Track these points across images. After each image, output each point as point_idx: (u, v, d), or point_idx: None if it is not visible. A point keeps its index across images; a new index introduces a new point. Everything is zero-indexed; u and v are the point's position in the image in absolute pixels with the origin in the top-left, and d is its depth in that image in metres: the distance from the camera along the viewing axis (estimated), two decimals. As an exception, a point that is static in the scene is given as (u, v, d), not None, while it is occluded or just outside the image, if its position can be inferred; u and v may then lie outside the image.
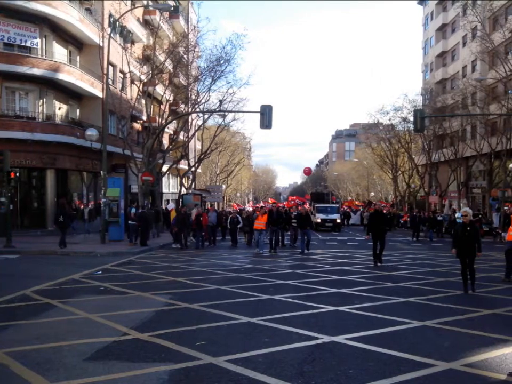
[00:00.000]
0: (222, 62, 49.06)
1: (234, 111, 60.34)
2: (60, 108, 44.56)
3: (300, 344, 10.35)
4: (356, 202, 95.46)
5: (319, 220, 56.25)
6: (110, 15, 47.97)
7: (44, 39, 41.88)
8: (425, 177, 72.51)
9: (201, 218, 33.69)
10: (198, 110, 53.40)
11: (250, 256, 28.89)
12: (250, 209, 56.31)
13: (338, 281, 18.85)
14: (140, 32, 55.05)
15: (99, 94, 46.19)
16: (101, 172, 34.92)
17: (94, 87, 45.98)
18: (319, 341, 10.58)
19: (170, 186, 74.33)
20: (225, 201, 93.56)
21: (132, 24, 52.19)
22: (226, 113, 60.98)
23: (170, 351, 9.80)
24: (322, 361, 9.30)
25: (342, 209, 69.88)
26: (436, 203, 70.80)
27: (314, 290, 16.87)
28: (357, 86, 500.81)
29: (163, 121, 47.20)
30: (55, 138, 40.14)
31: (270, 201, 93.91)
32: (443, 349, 10.21)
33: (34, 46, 40.94)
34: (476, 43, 53.87)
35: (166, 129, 56.61)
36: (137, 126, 57.52)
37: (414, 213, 49.42)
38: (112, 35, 37.41)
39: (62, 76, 41.29)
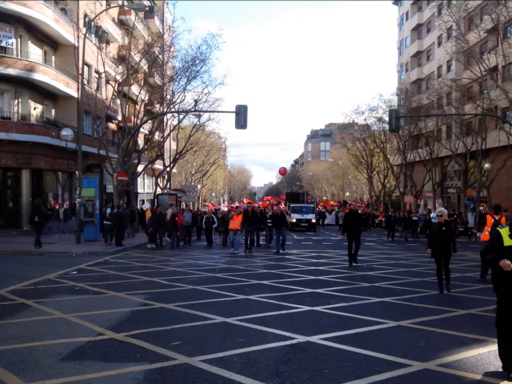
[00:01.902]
0: (197, 62, 49.15)
1: (209, 111, 60.39)
2: (35, 108, 44.42)
3: (275, 344, 10.39)
4: (331, 202, 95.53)
5: (294, 220, 56.34)
6: (85, 15, 47.86)
7: (19, 39, 41.71)
8: (401, 177, 72.72)
9: (176, 218, 33.71)
10: (173, 110, 53.34)
11: (225, 256, 28.93)
12: (226, 209, 56.25)
13: (313, 281, 18.92)
14: (115, 32, 54.96)
15: (74, 94, 46.05)
16: (76, 171, 34.89)
17: (69, 87, 45.85)
18: (294, 341, 10.61)
19: (145, 186, 74.16)
20: (200, 201, 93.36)
21: (107, 24, 52.06)
22: (201, 113, 61.03)
23: (146, 351, 9.82)
24: (298, 361, 9.33)
25: (317, 209, 70.01)
26: (411, 203, 71.08)
27: (290, 290, 16.91)
28: (332, 86, 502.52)
29: (138, 121, 47.10)
30: (30, 138, 39.97)
31: (245, 201, 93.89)
32: (418, 349, 10.25)
33: (10, 46, 40.74)
34: (451, 43, 54.07)
35: (141, 129, 56.49)
36: (112, 126, 57.42)
37: (389, 213, 49.64)
38: (87, 35, 37.40)
39: (37, 76, 41.15)
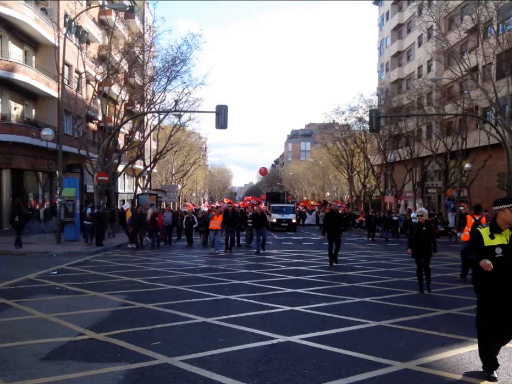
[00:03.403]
0: (177, 62, 49.26)
1: (189, 111, 60.50)
2: (15, 108, 44.16)
3: (255, 344, 10.39)
4: (312, 202, 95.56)
5: (274, 220, 56.38)
6: (66, 15, 47.62)
7: (-1, 39, 41.51)
8: (381, 177, 72.93)
9: (156, 218, 33.71)
10: (153, 110, 53.31)
11: (205, 256, 28.93)
12: (206, 209, 56.22)
13: (294, 281, 18.96)
14: (95, 32, 54.73)
15: (55, 94, 45.83)
16: (57, 171, 34.78)
17: (49, 87, 45.62)
18: (274, 341, 10.60)
19: (125, 186, 73.93)
20: (180, 201, 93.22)
21: (88, 24, 51.83)
22: (181, 113, 61.00)
23: (126, 351, 9.81)
24: (278, 361, 9.32)
25: (297, 209, 70.08)
26: (392, 203, 71.40)
27: (270, 290, 16.93)
28: (312, 86, 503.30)
29: (119, 121, 47.05)
30: (11, 138, 39.74)
31: (225, 201, 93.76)
32: (399, 349, 10.27)
33: (-11, 46, 40.55)
34: (431, 43, 54.10)
35: (121, 129, 56.43)
36: (92, 126, 57.24)
37: (370, 213, 49.72)
38: (67, 35, 37.25)
39: (18, 76, 40.88)
